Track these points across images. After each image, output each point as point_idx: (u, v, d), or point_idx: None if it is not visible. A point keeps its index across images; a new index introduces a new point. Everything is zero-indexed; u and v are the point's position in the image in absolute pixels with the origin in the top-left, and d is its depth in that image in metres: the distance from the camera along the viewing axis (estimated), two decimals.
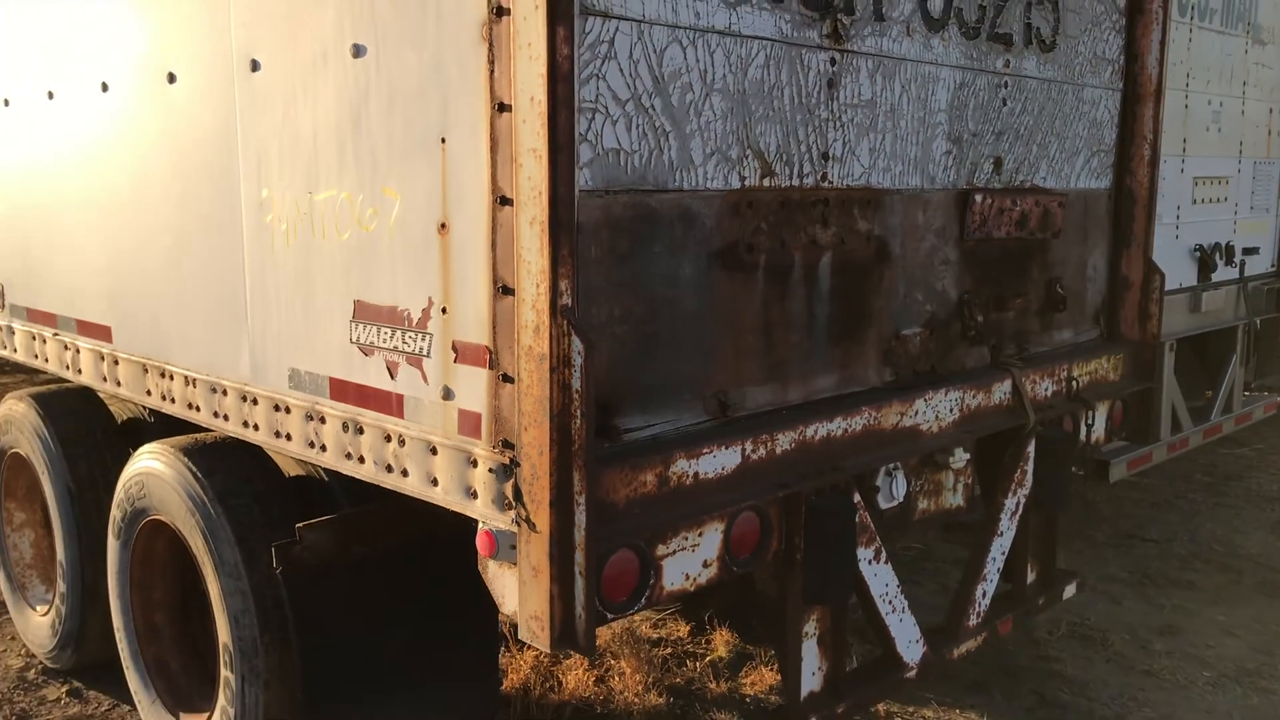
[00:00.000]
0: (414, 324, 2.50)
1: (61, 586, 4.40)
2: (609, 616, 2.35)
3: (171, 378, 3.43)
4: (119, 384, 3.74)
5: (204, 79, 3.08)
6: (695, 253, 2.55)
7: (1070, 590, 3.88)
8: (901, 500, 3.12)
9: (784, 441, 2.70)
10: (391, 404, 2.60)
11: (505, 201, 2.22)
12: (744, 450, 2.60)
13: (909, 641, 3.16)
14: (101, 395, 4.39)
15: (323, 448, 2.85)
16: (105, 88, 3.55)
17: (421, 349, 2.48)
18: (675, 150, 2.46)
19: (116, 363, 3.73)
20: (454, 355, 2.40)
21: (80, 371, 4.01)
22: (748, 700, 4.29)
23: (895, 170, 3.04)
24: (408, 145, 2.45)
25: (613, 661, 4.52)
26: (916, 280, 3.18)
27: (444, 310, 2.41)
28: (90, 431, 4.37)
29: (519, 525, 2.28)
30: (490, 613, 3.44)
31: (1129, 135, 3.98)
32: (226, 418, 3.22)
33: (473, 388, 2.37)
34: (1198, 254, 6.28)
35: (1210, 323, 6.52)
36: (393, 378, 2.58)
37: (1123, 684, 4.49)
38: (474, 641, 3.45)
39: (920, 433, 3.13)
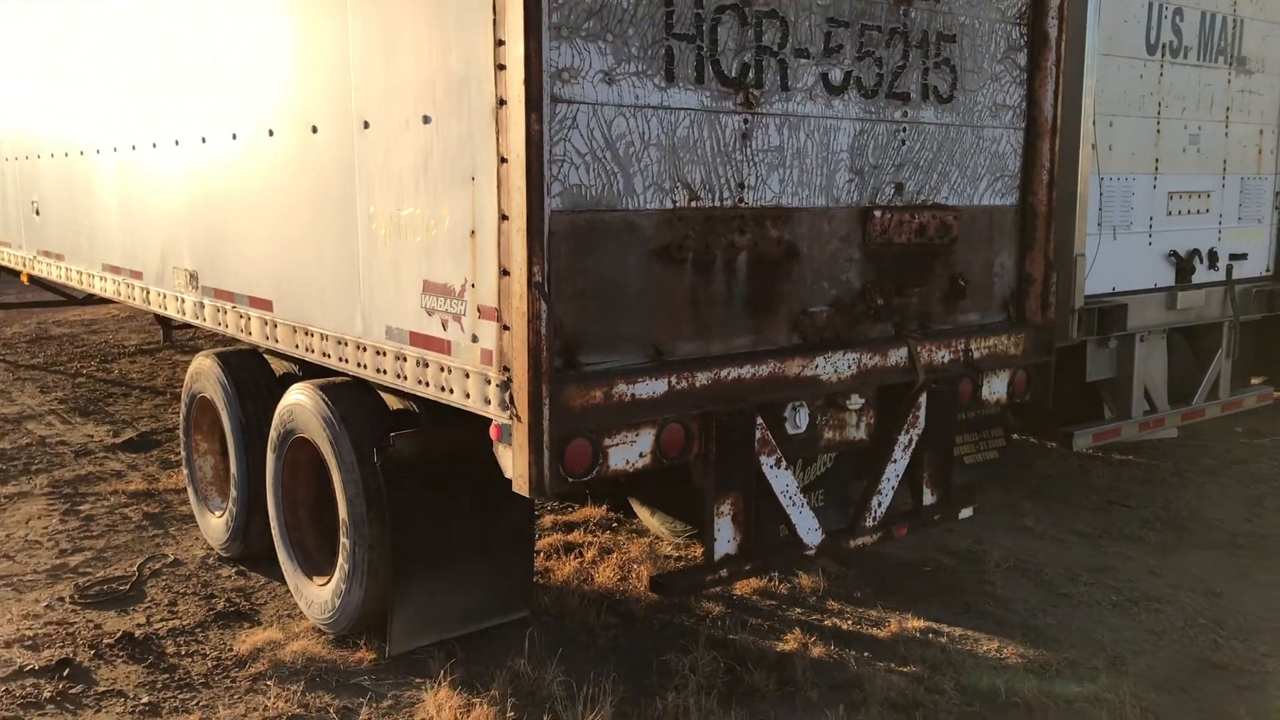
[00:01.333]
0: (457, 294, 3.90)
1: (233, 493, 6.01)
2: (570, 480, 3.70)
3: (311, 335, 4.95)
4: (277, 341, 5.30)
5: (335, 131, 4.58)
6: (638, 250, 3.87)
7: (967, 512, 5.03)
8: (805, 429, 4.37)
9: (702, 378, 4.00)
10: (445, 347, 4.01)
11: (505, 217, 3.60)
12: (670, 382, 3.91)
13: (808, 529, 4.40)
14: (265, 354, 5.98)
15: (404, 378, 4.30)
16: (271, 133, 5.10)
17: (460, 310, 3.89)
18: (622, 184, 3.79)
19: (275, 326, 5.28)
20: (478, 314, 3.79)
21: (250, 334, 5.59)
22: (732, 596, 5.58)
23: (803, 194, 4.30)
24: (453, 180, 3.86)
25: (635, 566, 5.86)
26: (823, 272, 4.42)
27: (473, 285, 3.81)
28: (256, 379, 5.96)
29: (512, 420, 3.66)
30: (526, 509, 4.86)
31: (1031, 165, 5.10)
32: (346, 362, 4.71)
33: (488, 334, 3.75)
34: (1173, 259, 7.23)
35: (1190, 319, 7.44)
36: (444, 330, 4.00)
37: (1040, 602, 5.59)
38: (511, 530, 4.85)
39: (820, 381, 4.37)
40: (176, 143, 6.17)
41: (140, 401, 10.90)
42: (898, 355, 4.63)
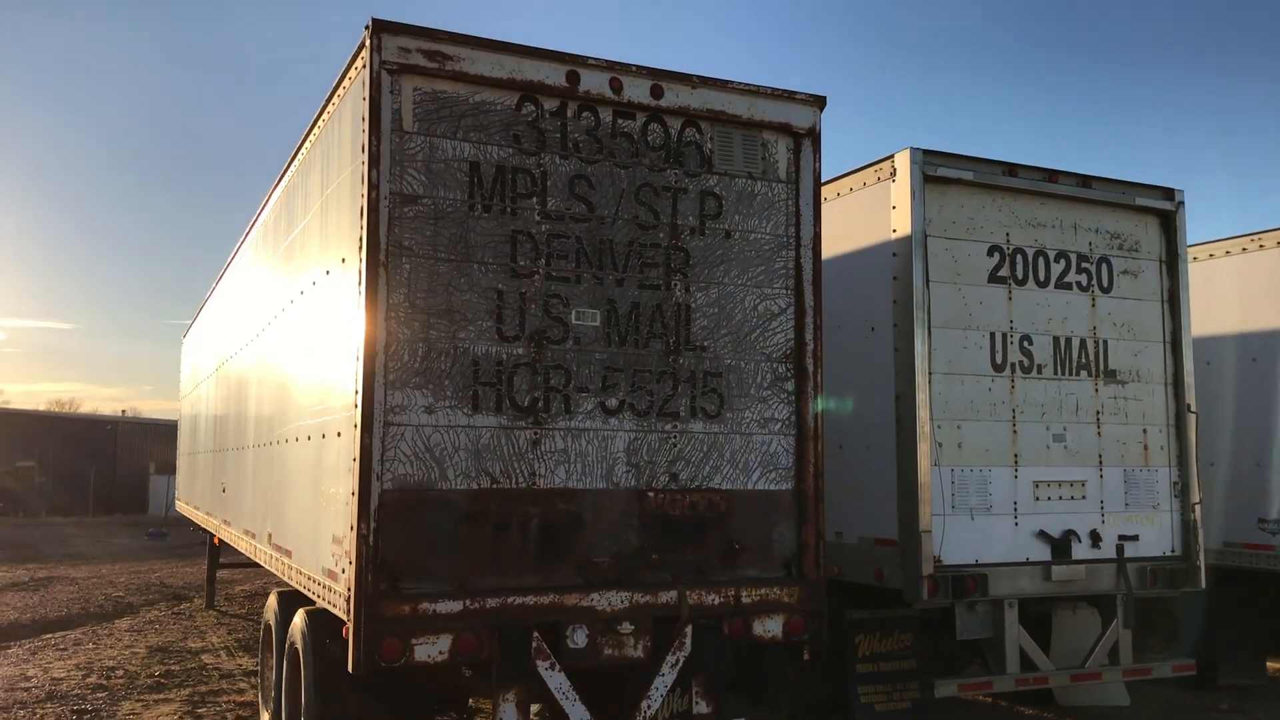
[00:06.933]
0: (340, 542, 6.17)
1: (273, 694, 8.29)
2: (384, 665, 5.74)
3: (304, 574, 7.32)
4: (292, 580, 7.71)
5: (314, 441, 7.12)
6: (452, 516, 6.04)
7: None
8: (584, 646, 6.21)
9: (492, 603, 6.00)
10: (336, 577, 6.25)
11: (354, 494, 5.89)
12: (465, 603, 5.94)
13: (580, 717, 6.13)
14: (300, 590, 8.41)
15: (324, 600, 6.54)
16: (296, 440, 7.74)
17: (340, 553, 6.15)
18: (438, 473, 6.03)
19: (292, 569, 7.71)
20: (345, 555, 6.04)
21: (286, 575, 8.04)
22: None
23: (586, 480, 6.37)
24: (343, 471, 6.23)
25: None
26: (604, 534, 6.38)
27: (341, 538, 6.08)
28: (292, 607, 8.37)
29: (351, 620, 5.80)
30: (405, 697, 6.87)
31: (801, 461, 6.93)
32: (311, 591, 7.01)
33: (348, 567, 5.97)
34: (1044, 538, 8.52)
35: (1076, 590, 8.60)
36: (336, 565, 6.25)
37: None
38: (401, 708, 6.83)
39: (595, 610, 6.24)
40: (266, 445, 8.99)
41: None
42: (668, 596, 6.44)
